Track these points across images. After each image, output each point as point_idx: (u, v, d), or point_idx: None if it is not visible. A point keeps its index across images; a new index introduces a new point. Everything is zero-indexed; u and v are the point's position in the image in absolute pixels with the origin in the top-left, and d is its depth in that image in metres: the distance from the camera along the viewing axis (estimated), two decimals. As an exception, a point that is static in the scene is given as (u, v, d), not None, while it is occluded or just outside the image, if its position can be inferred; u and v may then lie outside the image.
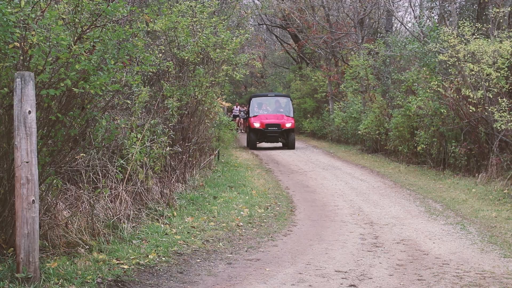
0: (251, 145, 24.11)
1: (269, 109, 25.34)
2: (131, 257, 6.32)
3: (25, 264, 5.12)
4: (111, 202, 7.55)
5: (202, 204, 9.77)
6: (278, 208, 10.33)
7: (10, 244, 5.84)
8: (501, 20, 15.80)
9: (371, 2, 25.87)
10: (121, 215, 7.42)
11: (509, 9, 15.78)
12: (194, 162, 12.34)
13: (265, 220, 9.14)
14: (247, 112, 28.34)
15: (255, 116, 24.41)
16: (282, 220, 9.29)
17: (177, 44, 11.83)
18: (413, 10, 25.31)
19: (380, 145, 21.06)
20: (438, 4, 22.62)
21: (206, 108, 13.18)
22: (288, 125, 23.61)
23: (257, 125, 23.69)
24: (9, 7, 5.50)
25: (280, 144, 24.94)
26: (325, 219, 9.48)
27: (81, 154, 7.05)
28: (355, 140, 24.50)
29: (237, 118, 36.89)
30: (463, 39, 14.60)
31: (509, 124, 12.46)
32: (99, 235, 6.80)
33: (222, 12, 18.28)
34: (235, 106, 37.93)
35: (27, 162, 5.07)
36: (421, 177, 14.67)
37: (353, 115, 23.99)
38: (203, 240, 7.50)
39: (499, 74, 13.57)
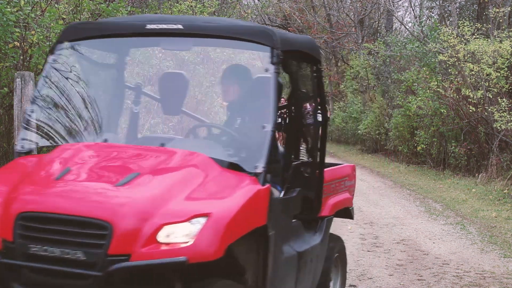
0: None
1: None
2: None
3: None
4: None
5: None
6: (278, 208, 10.30)
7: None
8: (501, 20, 15.79)
9: (371, 2, 25.88)
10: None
11: (509, 9, 15.77)
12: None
13: (265, 220, 9.12)
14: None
15: None
16: (282, 220, 9.26)
17: (177, 44, 11.81)
18: (413, 10, 25.31)
19: (380, 145, 21.06)
20: (438, 4, 22.62)
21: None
22: None
23: None
24: (9, 7, 5.49)
25: None
26: (325, 219, 9.47)
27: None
28: (355, 140, 24.49)
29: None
30: (463, 39, 14.60)
31: (509, 124, 12.46)
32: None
33: (222, 12, 18.25)
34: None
35: (27, 162, 5.06)
36: (421, 177, 14.67)
37: (353, 115, 23.99)
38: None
39: (499, 74, 13.56)
